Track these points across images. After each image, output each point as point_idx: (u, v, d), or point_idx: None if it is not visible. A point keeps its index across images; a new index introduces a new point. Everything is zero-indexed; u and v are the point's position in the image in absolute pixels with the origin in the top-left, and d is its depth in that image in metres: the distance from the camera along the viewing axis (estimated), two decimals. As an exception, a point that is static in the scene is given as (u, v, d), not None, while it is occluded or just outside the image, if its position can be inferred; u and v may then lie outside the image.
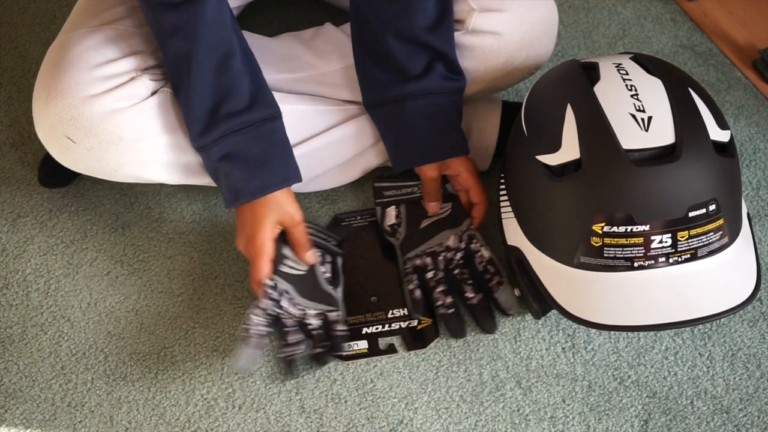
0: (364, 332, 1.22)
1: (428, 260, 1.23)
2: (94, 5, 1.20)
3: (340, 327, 1.19)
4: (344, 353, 1.20)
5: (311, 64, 1.32)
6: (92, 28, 1.17)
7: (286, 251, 1.21)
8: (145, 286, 1.27)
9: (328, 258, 1.25)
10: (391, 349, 1.21)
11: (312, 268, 1.22)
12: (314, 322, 1.19)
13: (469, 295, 1.21)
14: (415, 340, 1.22)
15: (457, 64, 1.22)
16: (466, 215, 1.26)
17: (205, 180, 1.24)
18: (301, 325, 1.18)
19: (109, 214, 1.34)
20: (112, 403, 1.17)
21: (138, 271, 1.28)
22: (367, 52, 1.23)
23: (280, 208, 1.18)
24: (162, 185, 1.35)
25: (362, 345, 1.21)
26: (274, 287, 1.18)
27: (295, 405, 1.17)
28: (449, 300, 1.20)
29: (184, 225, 1.33)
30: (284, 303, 1.18)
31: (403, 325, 1.23)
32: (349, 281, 1.25)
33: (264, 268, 1.18)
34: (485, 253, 1.22)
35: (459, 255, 1.23)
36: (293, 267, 1.21)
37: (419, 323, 1.22)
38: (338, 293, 1.23)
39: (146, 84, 1.16)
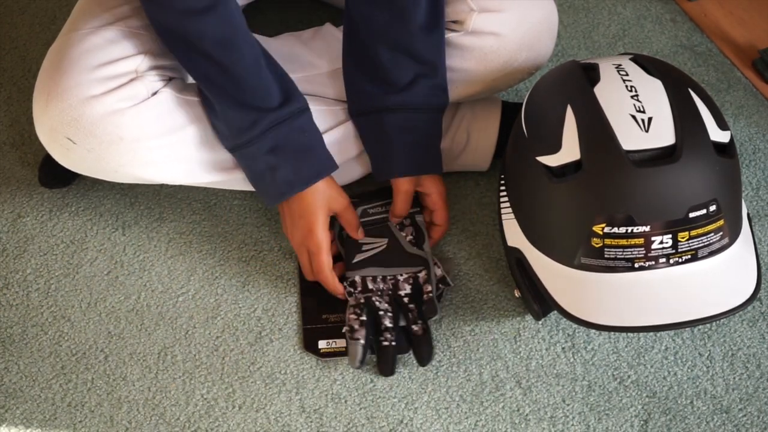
0: (343, 331, 1.22)
1: (380, 286, 1.23)
2: (94, 6, 1.20)
3: (430, 288, 1.21)
4: (320, 350, 1.21)
5: (311, 64, 1.32)
6: (92, 28, 1.16)
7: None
8: (145, 286, 1.27)
9: (407, 221, 1.28)
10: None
11: (394, 237, 1.26)
12: (407, 288, 1.21)
13: (414, 327, 1.19)
14: None
15: (443, 79, 1.22)
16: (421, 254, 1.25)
17: (206, 180, 1.24)
18: (395, 299, 1.21)
19: (109, 214, 1.34)
20: (112, 403, 1.17)
21: (138, 271, 1.28)
22: (355, 62, 1.24)
23: (327, 195, 1.21)
24: (162, 185, 1.35)
25: (341, 344, 1.21)
26: (353, 284, 1.22)
27: (295, 405, 1.17)
28: (391, 336, 1.19)
29: (184, 225, 1.33)
30: (371, 285, 1.21)
31: None
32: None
33: (327, 261, 1.21)
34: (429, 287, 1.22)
35: (408, 288, 1.22)
36: (370, 248, 1.25)
37: None
38: (426, 248, 1.25)
39: (147, 85, 1.16)
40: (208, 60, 1.13)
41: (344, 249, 1.26)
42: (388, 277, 1.22)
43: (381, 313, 1.20)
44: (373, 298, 1.21)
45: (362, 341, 1.17)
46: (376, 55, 1.21)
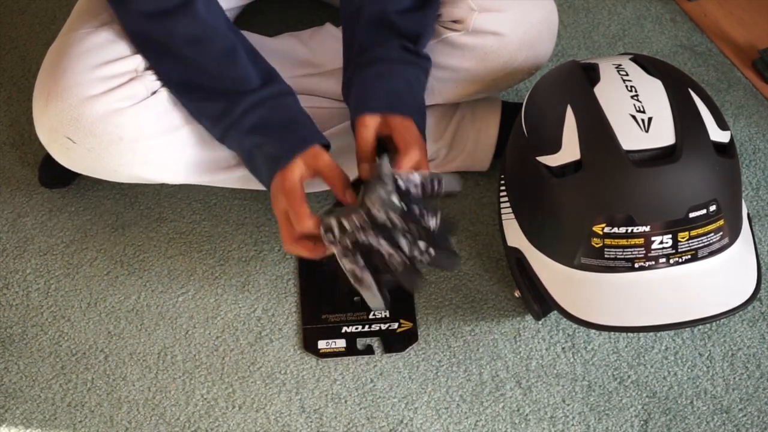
0: (343, 331, 1.22)
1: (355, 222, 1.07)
2: (94, 6, 1.20)
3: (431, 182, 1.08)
4: (320, 350, 1.20)
5: (310, 64, 1.32)
6: (92, 28, 1.17)
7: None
8: (145, 286, 1.27)
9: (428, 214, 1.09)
10: (368, 350, 1.21)
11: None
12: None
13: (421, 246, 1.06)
14: (394, 342, 1.22)
15: (421, 46, 1.17)
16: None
17: (205, 179, 1.24)
18: (378, 226, 1.06)
19: (109, 214, 1.34)
20: (112, 403, 1.17)
21: (138, 271, 1.28)
22: (347, 52, 1.23)
23: (306, 153, 1.11)
24: (162, 185, 1.35)
25: (340, 344, 1.21)
26: (329, 228, 1.07)
27: (295, 405, 1.17)
28: (399, 258, 1.06)
29: (184, 225, 1.33)
30: (346, 223, 1.07)
31: (383, 327, 1.23)
32: (335, 281, 1.24)
33: (304, 214, 1.08)
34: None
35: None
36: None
37: (399, 326, 1.23)
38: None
39: (146, 84, 1.16)
40: (180, 60, 1.12)
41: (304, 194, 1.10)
42: (361, 211, 1.07)
43: (381, 249, 1.06)
44: (357, 235, 1.07)
45: (373, 283, 1.06)
46: (362, 34, 1.18)
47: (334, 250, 1.08)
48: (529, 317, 1.23)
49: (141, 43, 1.15)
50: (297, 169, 1.12)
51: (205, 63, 1.13)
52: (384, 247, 1.06)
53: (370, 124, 1.15)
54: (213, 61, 1.13)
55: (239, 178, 1.24)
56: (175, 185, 1.33)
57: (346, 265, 1.07)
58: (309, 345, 1.21)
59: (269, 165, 1.15)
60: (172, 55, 1.13)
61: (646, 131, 1.03)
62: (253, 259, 1.29)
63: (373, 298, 1.08)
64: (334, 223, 1.07)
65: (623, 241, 1.03)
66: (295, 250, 1.12)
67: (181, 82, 1.15)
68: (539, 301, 1.15)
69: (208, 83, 1.14)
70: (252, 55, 1.17)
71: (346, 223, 1.07)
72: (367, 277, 1.07)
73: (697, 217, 1.02)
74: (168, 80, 1.16)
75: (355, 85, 1.18)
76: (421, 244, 1.06)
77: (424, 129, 1.17)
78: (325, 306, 1.24)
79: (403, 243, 1.06)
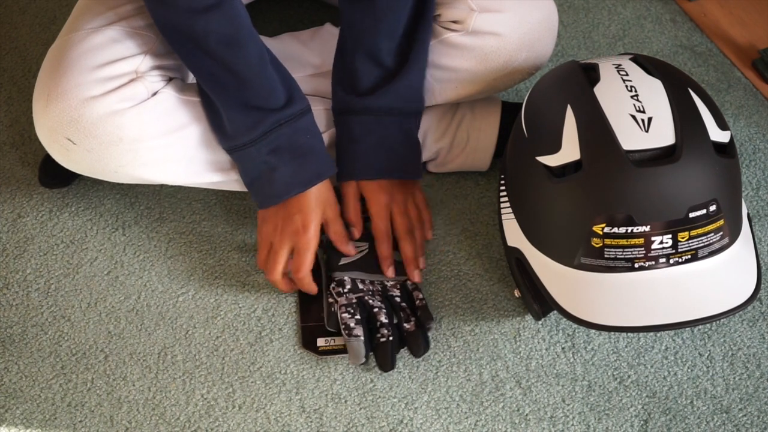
0: (341, 330, 1.22)
1: (369, 287, 1.23)
2: (93, 6, 1.20)
3: (421, 296, 1.23)
4: (319, 348, 1.21)
5: (310, 64, 1.32)
6: (93, 29, 1.17)
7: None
8: (145, 286, 1.27)
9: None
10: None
11: (372, 244, 1.26)
12: (396, 292, 1.23)
13: (405, 325, 1.20)
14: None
15: (416, 85, 1.22)
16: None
17: (205, 181, 1.24)
18: (387, 297, 1.22)
19: (109, 214, 1.34)
20: (112, 403, 1.17)
21: (138, 271, 1.28)
22: (337, 65, 1.25)
23: (324, 198, 1.21)
24: (162, 185, 1.35)
25: (339, 341, 1.21)
26: (341, 284, 1.21)
27: (295, 405, 1.17)
28: (387, 332, 1.19)
29: (184, 225, 1.33)
30: (360, 285, 1.22)
31: None
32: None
33: (311, 260, 1.20)
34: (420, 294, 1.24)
35: (397, 292, 1.24)
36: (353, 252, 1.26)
37: None
38: None
39: (146, 85, 1.16)
40: (213, 58, 1.13)
41: (328, 252, 1.25)
42: (376, 282, 1.23)
43: (375, 310, 1.20)
44: (366, 297, 1.21)
45: (362, 338, 1.17)
46: (352, 59, 1.21)
47: (338, 299, 1.21)
48: (529, 317, 1.23)
49: (174, 39, 1.14)
50: (318, 217, 1.20)
51: (237, 64, 1.13)
52: (381, 316, 1.19)
53: (350, 191, 1.25)
54: (244, 64, 1.13)
55: (238, 180, 1.24)
56: (175, 185, 1.33)
57: (342, 314, 1.19)
58: (308, 343, 1.21)
59: (277, 191, 1.18)
60: (206, 53, 1.13)
61: (646, 131, 1.03)
62: (253, 259, 1.29)
63: (356, 351, 1.17)
64: (348, 280, 1.22)
65: (623, 241, 1.03)
66: (279, 281, 1.22)
67: (213, 80, 1.15)
68: (539, 301, 1.15)
69: (235, 87, 1.14)
70: (276, 64, 1.18)
71: (360, 285, 1.22)
72: (358, 332, 1.18)
73: (697, 217, 1.02)
74: (200, 77, 1.16)
75: (350, 129, 1.24)
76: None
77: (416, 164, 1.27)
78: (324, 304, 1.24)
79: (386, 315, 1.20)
